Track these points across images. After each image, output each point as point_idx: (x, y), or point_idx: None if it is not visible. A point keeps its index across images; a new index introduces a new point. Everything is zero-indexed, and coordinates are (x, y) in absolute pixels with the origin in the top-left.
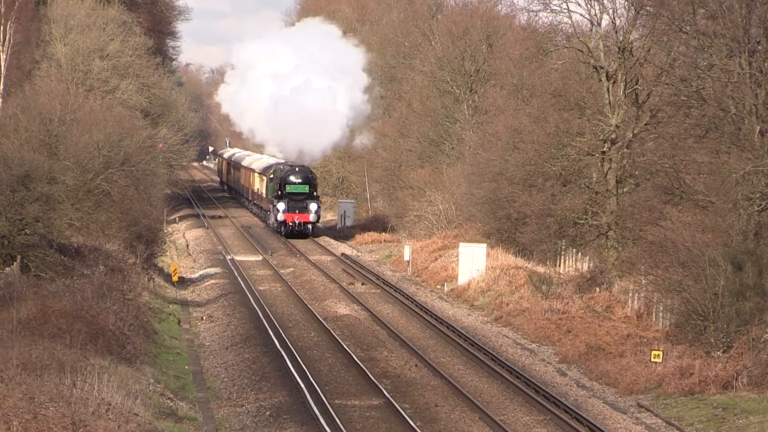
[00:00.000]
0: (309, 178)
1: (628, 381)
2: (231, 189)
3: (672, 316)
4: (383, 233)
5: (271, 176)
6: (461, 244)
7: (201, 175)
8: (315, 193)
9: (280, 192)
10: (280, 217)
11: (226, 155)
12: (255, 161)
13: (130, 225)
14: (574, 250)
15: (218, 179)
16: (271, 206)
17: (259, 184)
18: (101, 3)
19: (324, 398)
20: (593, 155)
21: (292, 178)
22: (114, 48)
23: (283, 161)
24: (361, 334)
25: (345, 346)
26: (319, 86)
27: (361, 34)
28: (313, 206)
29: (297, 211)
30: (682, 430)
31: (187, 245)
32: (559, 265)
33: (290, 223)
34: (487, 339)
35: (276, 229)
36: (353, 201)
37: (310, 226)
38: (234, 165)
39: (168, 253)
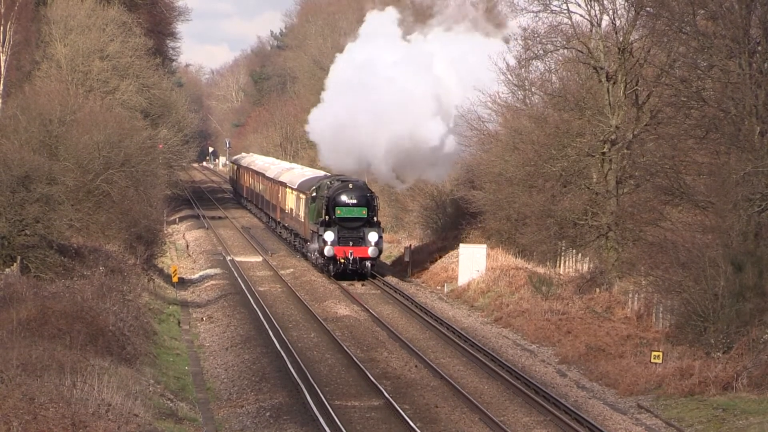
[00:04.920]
0: (367, 198)
1: (628, 382)
2: (248, 202)
3: (672, 316)
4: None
5: (314, 194)
6: (461, 245)
7: (201, 176)
8: (375, 219)
9: (327, 217)
10: (328, 251)
11: (242, 162)
12: (285, 172)
13: (130, 226)
14: (574, 250)
15: (218, 182)
16: (313, 235)
17: (293, 204)
18: (101, 4)
19: (324, 399)
20: (593, 156)
21: (344, 198)
22: (114, 49)
23: (327, 174)
24: (361, 334)
25: (345, 347)
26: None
27: None
28: (372, 236)
29: (351, 243)
30: (682, 430)
31: (187, 246)
32: (559, 266)
33: (341, 260)
34: (487, 340)
35: (321, 267)
36: None
37: (368, 263)
38: (254, 175)
39: (168, 254)
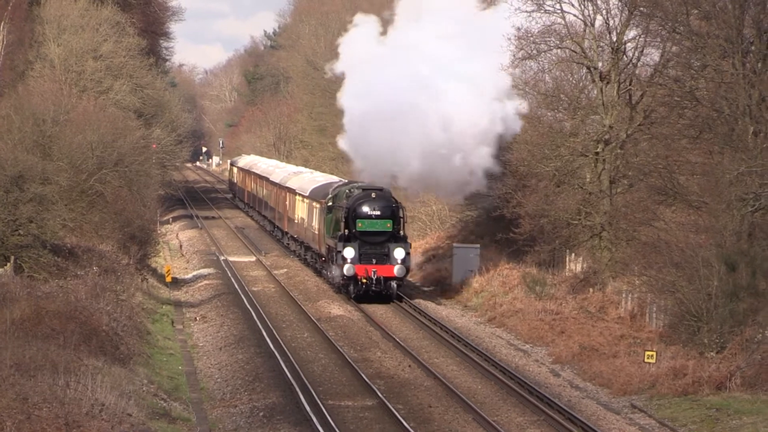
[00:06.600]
0: (392, 209)
1: (621, 382)
2: (250, 208)
3: (665, 316)
4: None
5: (330, 204)
6: (455, 244)
7: (194, 175)
8: (401, 232)
9: (346, 230)
10: (348, 270)
11: (243, 164)
12: (292, 177)
13: (124, 226)
14: (568, 250)
15: (211, 181)
16: (330, 251)
17: (304, 213)
18: (94, 3)
19: (317, 399)
20: (587, 156)
21: (366, 209)
22: (107, 48)
23: (342, 180)
24: (354, 334)
25: (338, 347)
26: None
27: None
28: (398, 252)
29: (374, 261)
30: (675, 430)
31: (181, 246)
32: (553, 266)
33: (363, 280)
34: (481, 340)
35: (339, 287)
36: None
37: (394, 283)
38: (256, 179)
39: (161, 254)
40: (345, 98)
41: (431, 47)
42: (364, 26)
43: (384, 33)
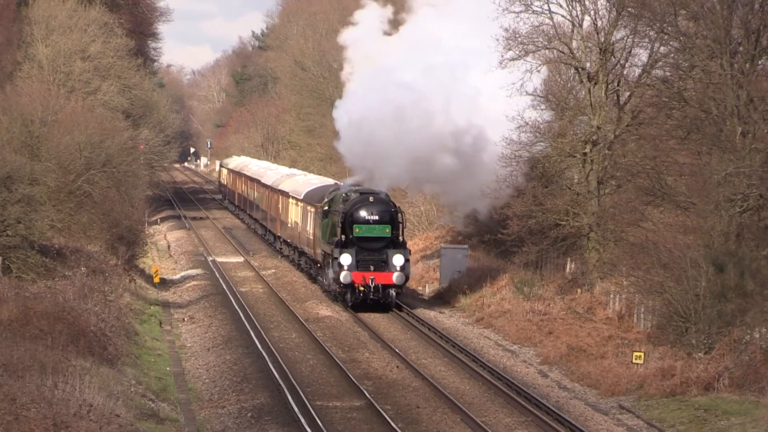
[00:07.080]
0: (391, 214)
1: (609, 382)
2: (241, 211)
3: (653, 317)
4: None
5: (326, 208)
6: (442, 245)
7: (182, 176)
8: (401, 238)
9: (343, 236)
10: (345, 277)
11: (233, 166)
12: (285, 179)
13: (112, 226)
14: (563, 254)
15: (199, 182)
16: (326, 257)
17: (298, 217)
18: (82, 4)
19: (305, 399)
20: (574, 156)
21: (364, 214)
22: (95, 49)
23: (338, 183)
24: (342, 335)
25: (326, 348)
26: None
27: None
28: (397, 259)
29: (372, 268)
30: (663, 431)
31: (169, 246)
32: (541, 267)
33: (361, 288)
34: (469, 340)
35: (336, 295)
36: None
37: (393, 291)
38: (247, 181)
39: (149, 255)
40: (351, 93)
41: (453, 40)
42: (371, 15)
43: (388, 30)
